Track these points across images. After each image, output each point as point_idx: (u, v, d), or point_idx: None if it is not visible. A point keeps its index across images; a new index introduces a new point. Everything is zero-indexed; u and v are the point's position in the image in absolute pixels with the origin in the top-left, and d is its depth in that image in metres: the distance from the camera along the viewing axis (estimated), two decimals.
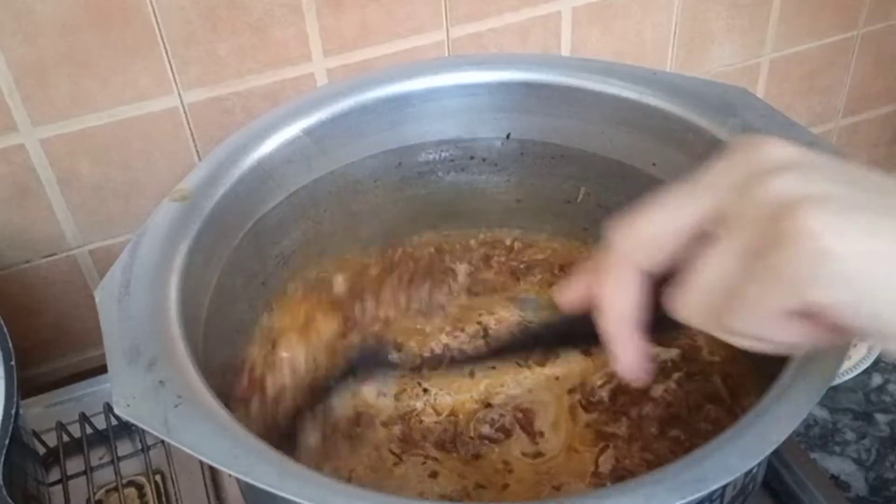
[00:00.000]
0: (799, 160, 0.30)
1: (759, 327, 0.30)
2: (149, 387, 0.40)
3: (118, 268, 0.46)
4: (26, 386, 0.58)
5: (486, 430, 0.53)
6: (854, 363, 0.65)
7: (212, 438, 0.38)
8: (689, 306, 0.32)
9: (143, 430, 0.52)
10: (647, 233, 0.33)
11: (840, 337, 0.30)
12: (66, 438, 0.61)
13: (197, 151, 0.66)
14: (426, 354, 0.57)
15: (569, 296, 0.37)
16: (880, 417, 0.63)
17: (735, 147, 0.32)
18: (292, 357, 0.54)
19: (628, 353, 0.35)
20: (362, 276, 0.61)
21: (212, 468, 0.59)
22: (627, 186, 0.59)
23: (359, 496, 0.36)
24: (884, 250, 0.27)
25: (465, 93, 0.59)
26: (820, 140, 0.51)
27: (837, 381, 0.64)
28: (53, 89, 0.60)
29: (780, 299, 0.28)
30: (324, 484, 0.36)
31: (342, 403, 0.53)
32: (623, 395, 0.54)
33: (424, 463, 0.51)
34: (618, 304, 0.34)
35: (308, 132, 0.56)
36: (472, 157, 0.62)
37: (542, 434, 0.52)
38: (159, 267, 0.46)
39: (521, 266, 0.64)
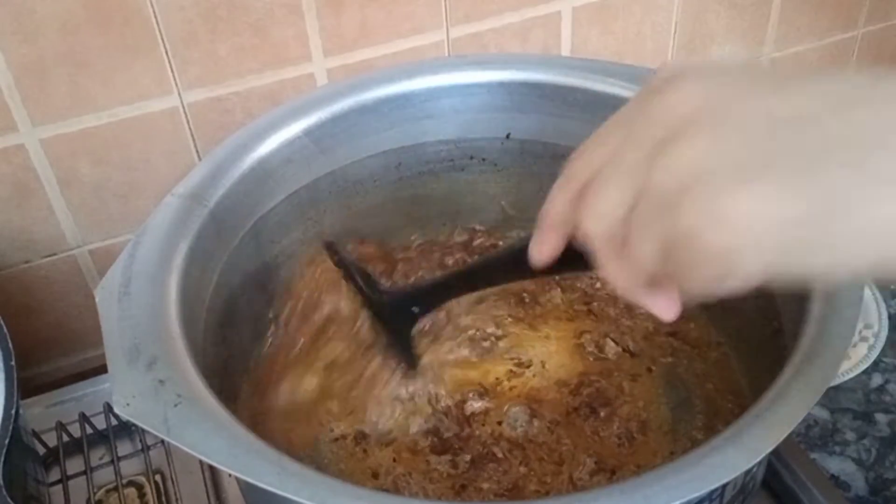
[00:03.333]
0: (697, 107, 0.29)
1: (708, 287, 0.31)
2: (149, 386, 0.40)
3: (118, 267, 0.46)
4: (26, 386, 0.58)
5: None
6: (854, 363, 0.65)
7: (212, 438, 0.38)
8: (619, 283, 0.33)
9: (143, 430, 0.52)
10: (610, 216, 0.32)
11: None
12: (66, 438, 0.61)
13: (197, 151, 0.66)
14: None
15: (543, 253, 0.37)
16: (880, 417, 0.63)
17: (645, 96, 0.31)
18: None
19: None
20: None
21: (212, 468, 0.59)
22: None
23: (359, 496, 0.36)
24: (791, 216, 0.27)
25: (465, 93, 0.59)
26: None
27: (837, 381, 0.64)
28: (53, 89, 0.60)
29: (704, 288, 0.30)
30: (324, 483, 0.36)
31: None
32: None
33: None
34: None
35: (308, 132, 0.56)
36: (472, 157, 0.63)
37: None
38: (159, 267, 0.46)
39: None
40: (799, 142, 0.28)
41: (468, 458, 0.51)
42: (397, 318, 0.52)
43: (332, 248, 0.55)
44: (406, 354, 0.53)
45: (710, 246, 0.28)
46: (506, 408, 0.54)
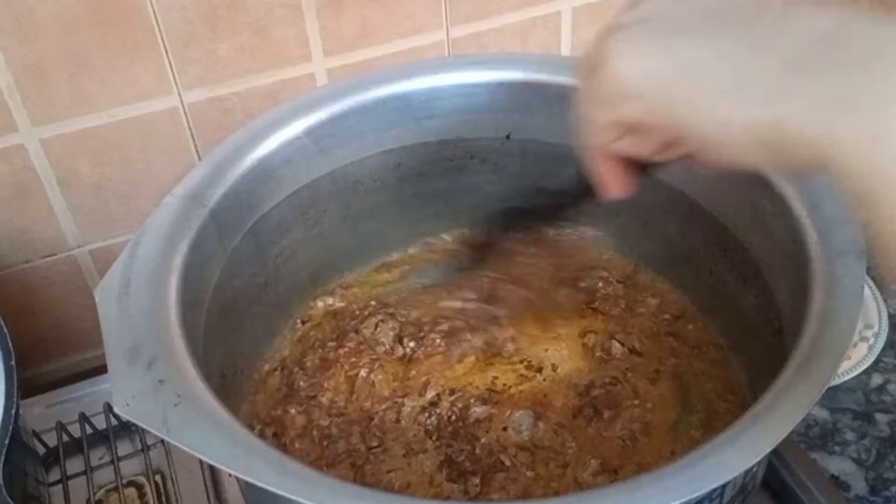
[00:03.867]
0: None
1: (605, 137, 0.37)
2: (148, 386, 0.40)
3: (118, 268, 0.46)
4: (26, 386, 0.58)
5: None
6: (854, 363, 0.65)
7: (211, 437, 0.38)
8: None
9: (143, 430, 0.52)
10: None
11: (678, 151, 0.37)
12: (66, 438, 0.61)
13: (197, 151, 0.66)
14: None
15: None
16: (880, 417, 0.63)
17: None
18: None
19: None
20: None
21: (212, 468, 0.59)
22: None
23: (359, 495, 0.36)
24: (668, 65, 0.33)
25: (465, 93, 0.59)
26: None
27: (837, 381, 0.64)
28: (53, 89, 0.60)
29: (603, 115, 0.36)
30: (323, 483, 0.36)
31: None
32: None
33: None
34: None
35: (308, 132, 0.56)
36: (472, 157, 0.62)
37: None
38: (159, 267, 0.46)
39: None
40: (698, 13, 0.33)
41: (477, 481, 0.51)
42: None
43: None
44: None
45: (604, 74, 0.34)
46: (509, 413, 0.54)
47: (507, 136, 0.61)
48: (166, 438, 0.37)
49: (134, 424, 0.44)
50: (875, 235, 0.29)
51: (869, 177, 0.28)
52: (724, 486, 0.39)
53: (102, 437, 0.61)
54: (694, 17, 0.33)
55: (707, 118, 0.32)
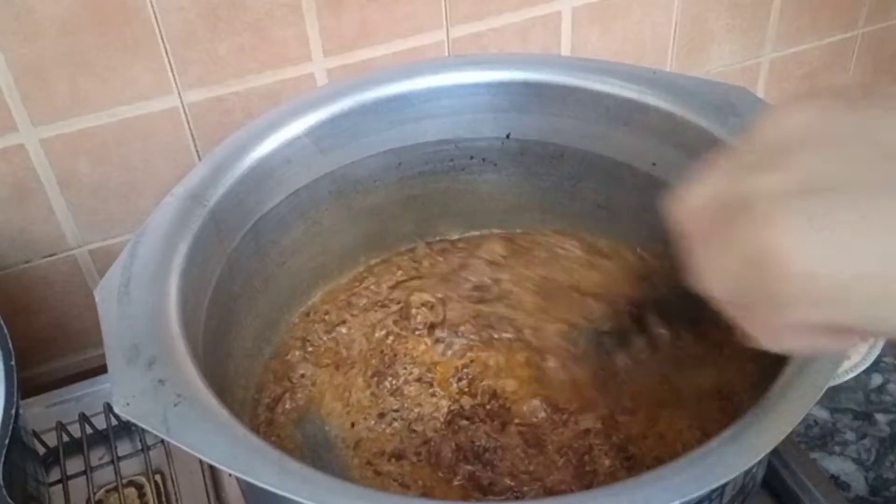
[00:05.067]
0: (814, 123, 0.28)
1: (794, 343, 0.29)
2: (148, 386, 0.40)
3: (118, 267, 0.46)
4: (26, 386, 0.58)
5: None
6: (854, 363, 0.65)
7: (211, 437, 0.38)
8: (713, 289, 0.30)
9: (143, 430, 0.52)
10: (684, 206, 0.31)
11: (852, 337, 0.30)
12: (66, 438, 0.61)
13: (197, 151, 0.66)
14: None
15: None
16: (880, 417, 0.63)
17: (762, 118, 0.30)
18: None
19: None
20: None
21: (212, 468, 0.59)
22: (627, 186, 0.59)
23: (359, 495, 0.36)
24: (871, 256, 0.25)
25: (465, 93, 0.59)
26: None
27: (837, 381, 0.64)
28: (53, 89, 0.60)
29: (778, 319, 0.28)
30: (323, 483, 0.36)
31: None
32: None
33: None
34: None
35: (308, 132, 0.56)
36: (472, 157, 0.62)
37: None
38: (159, 267, 0.46)
39: None
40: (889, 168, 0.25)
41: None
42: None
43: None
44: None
45: (779, 271, 0.25)
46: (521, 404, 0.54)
47: (507, 136, 0.61)
48: (166, 438, 0.37)
49: (134, 424, 0.44)
50: None
51: None
52: (724, 486, 0.39)
53: (102, 437, 0.61)
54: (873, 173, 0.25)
55: None
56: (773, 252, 0.25)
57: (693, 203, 0.30)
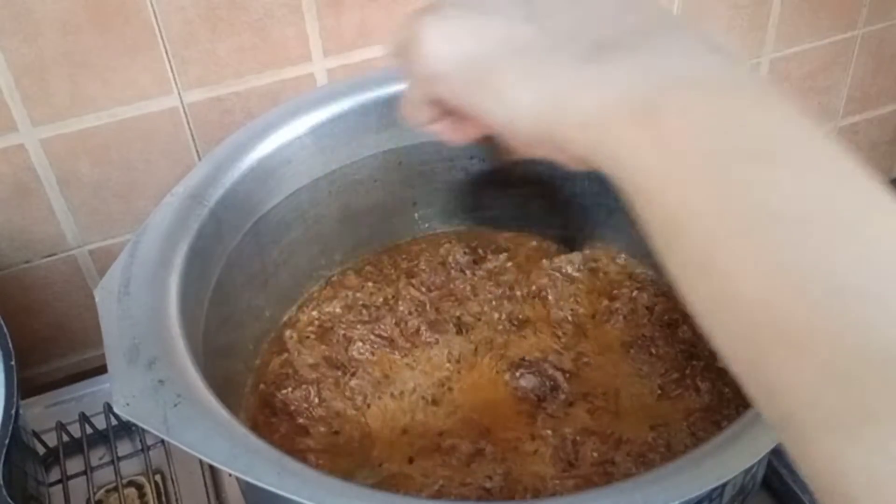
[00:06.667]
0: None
1: (420, 117, 0.38)
2: (148, 386, 0.40)
3: (118, 267, 0.46)
4: (26, 386, 0.58)
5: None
6: None
7: (211, 437, 0.38)
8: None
9: (143, 430, 0.52)
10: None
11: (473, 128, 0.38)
12: (66, 438, 0.61)
13: (197, 151, 0.66)
14: None
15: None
16: None
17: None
18: None
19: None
20: None
21: (212, 468, 0.59)
22: None
23: (359, 496, 0.36)
24: (471, 47, 0.32)
25: None
26: None
27: None
28: (53, 89, 0.60)
29: (417, 93, 0.36)
30: (323, 483, 0.36)
31: None
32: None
33: None
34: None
35: (308, 132, 0.56)
36: (471, 157, 0.63)
37: None
38: (159, 267, 0.46)
39: None
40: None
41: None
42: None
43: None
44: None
45: (416, 54, 0.33)
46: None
47: None
48: (166, 438, 0.37)
49: (134, 424, 0.44)
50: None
51: (641, 178, 0.28)
52: (724, 486, 0.39)
53: (102, 437, 0.61)
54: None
55: (498, 103, 0.32)
56: (416, 40, 0.33)
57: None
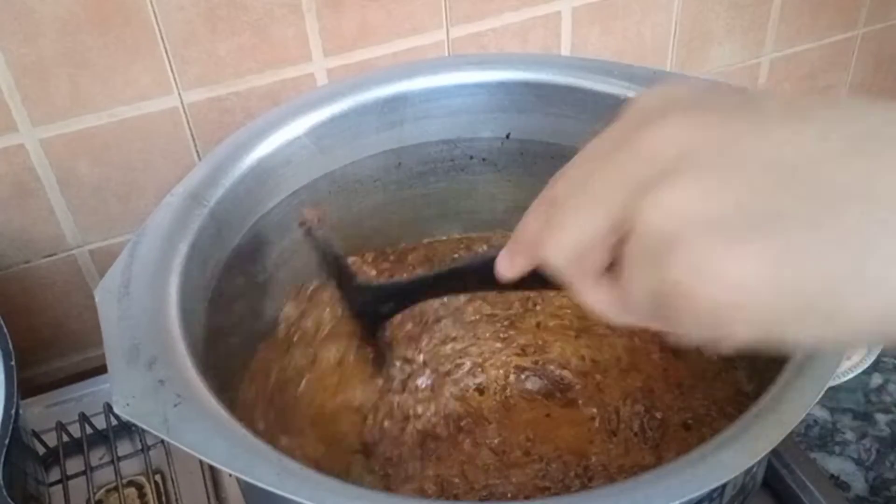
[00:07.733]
0: (690, 146, 0.27)
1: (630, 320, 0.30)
2: (148, 386, 0.40)
3: (118, 267, 0.46)
4: (26, 386, 0.58)
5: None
6: (854, 363, 0.65)
7: (211, 438, 0.38)
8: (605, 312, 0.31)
9: (143, 430, 0.52)
10: (573, 249, 0.30)
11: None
12: (66, 438, 0.61)
13: (197, 151, 0.66)
14: None
15: (509, 271, 0.35)
16: (880, 417, 0.63)
17: (629, 126, 0.29)
18: None
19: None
20: None
21: (212, 468, 0.59)
22: None
23: (359, 496, 0.36)
24: (791, 282, 0.25)
25: (465, 93, 0.59)
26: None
27: (837, 381, 0.64)
28: (53, 89, 0.60)
29: (698, 340, 0.28)
30: (323, 483, 0.36)
31: None
32: None
33: None
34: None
35: (308, 132, 0.56)
36: (472, 157, 0.62)
37: None
38: (159, 267, 0.46)
39: None
40: (799, 193, 0.25)
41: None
42: (368, 314, 0.52)
43: (309, 232, 0.54)
44: (376, 351, 0.53)
45: (699, 304, 0.26)
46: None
47: (507, 136, 0.61)
48: (166, 438, 0.37)
49: (134, 424, 0.44)
50: None
51: None
52: (724, 486, 0.39)
53: (102, 437, 0.61)
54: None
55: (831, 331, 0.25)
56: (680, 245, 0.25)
57: (569, 244, 0.30)
